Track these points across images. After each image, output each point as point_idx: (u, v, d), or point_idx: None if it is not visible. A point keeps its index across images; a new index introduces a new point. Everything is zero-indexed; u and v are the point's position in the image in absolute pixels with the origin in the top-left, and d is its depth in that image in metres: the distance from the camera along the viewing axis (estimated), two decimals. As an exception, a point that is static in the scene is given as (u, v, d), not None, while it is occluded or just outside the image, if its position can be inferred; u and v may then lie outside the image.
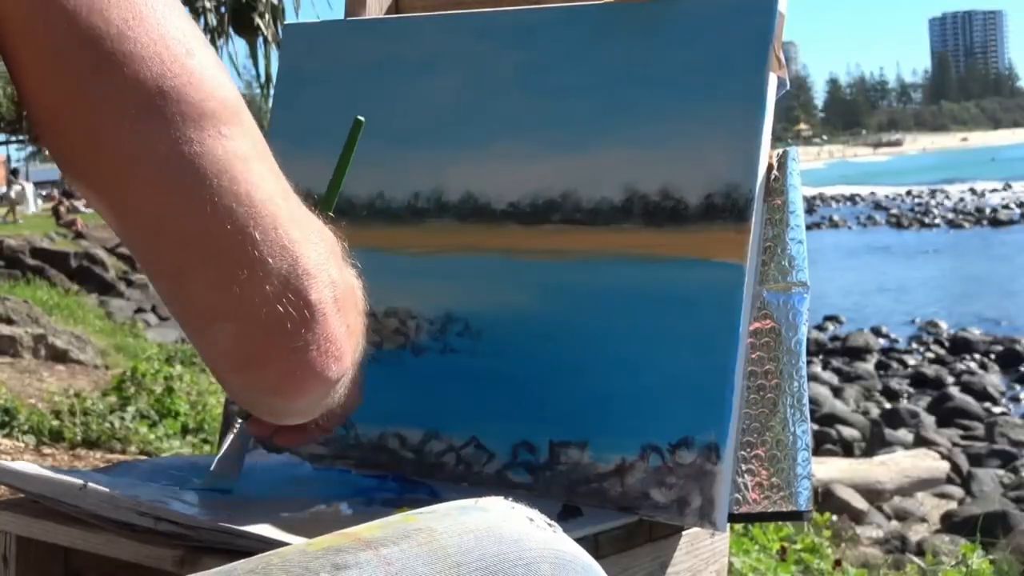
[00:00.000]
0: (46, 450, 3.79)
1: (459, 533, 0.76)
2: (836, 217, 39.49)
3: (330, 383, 0.72)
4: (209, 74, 0.65)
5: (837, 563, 3.19)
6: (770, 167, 1.17)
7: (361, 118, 1.12)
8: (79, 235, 18.71)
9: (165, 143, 0.63)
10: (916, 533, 6.93)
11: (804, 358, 1.15)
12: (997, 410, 11.39)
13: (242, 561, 0.73)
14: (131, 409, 4.27)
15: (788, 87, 1.19)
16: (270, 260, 0.65)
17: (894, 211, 42.07)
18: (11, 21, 0.62)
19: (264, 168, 0.67)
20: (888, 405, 11.67)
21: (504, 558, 0.76)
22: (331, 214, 1.00)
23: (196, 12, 5.38)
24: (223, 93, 0.66)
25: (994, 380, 12.95)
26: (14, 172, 26.73)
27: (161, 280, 0.67)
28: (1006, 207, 40.39)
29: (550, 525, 0.82)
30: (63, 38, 0.62)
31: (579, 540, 0.88)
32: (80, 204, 20.59)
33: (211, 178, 0.63)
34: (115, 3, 0.63)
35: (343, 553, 0.72)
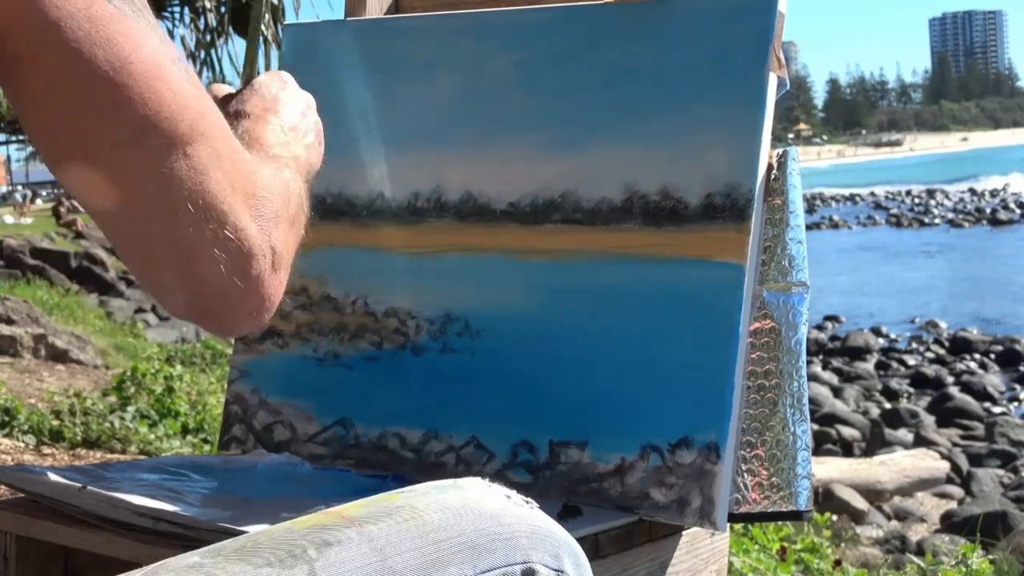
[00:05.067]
0: (46, 450, 3.78)
1: (440, 510, 0.80)
2: (836, 217, 39.47)
3: (262, 323, 0.88)
4: (180, 100, 0.78)
5: (837, 563, 3.19)
6: (770, 167, 1.17)
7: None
8: (79, 235, 18.71)
9: (143, 168, 0.78)
10: (916, 533, 6.93)
11: (804, 358, 1.14)
12: (997, 410, 11.38)
13: (230, 540, 0.76)
14: (131, 409, 4.27)
15: (788, 87, 1.19)
16: (221, 252, 0.80)
17: (894, 211, 42.09)
18: (17, 61, 0.75)
19: (221, 168, 0.80)
20: (888, 405, 11.65)
21: (484, 532, 0.80)
22: None
23: (196, 12, 5.38)
24: (190, 114, 0.79)
25: (994, 380, 12.93)
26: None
27: (132, 263, 0.84)
28: (1006, 207, 40.39)
29: (527, 502, 0.86)
30: (60, 78, 0.75)
31: (579, 540, 0.89)
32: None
33: (175, 191, 0.79)
34: (100, 47, 0.75)
35: (329, 531, 0.76)
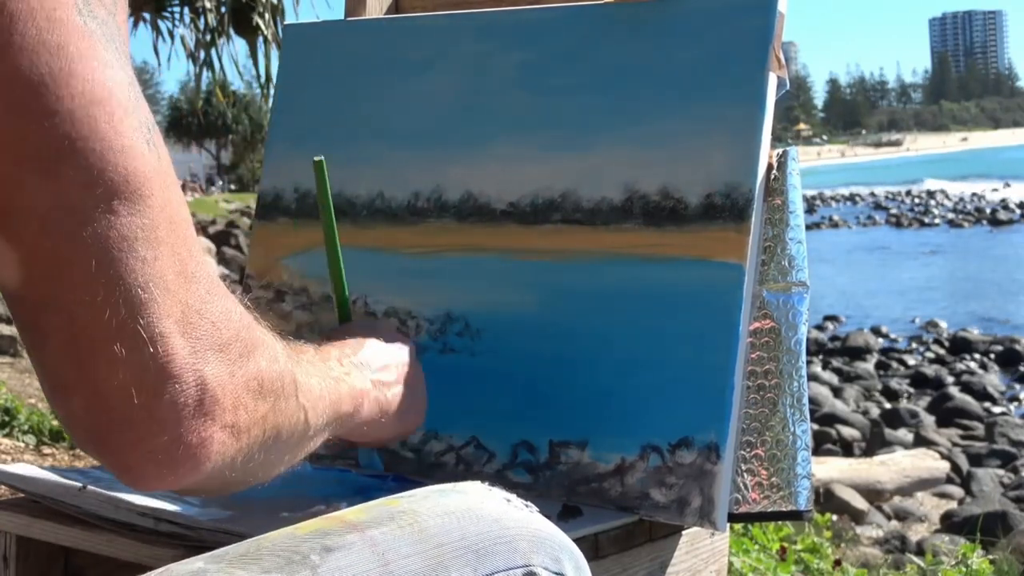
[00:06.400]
0: (46, 450, 3.79)
1: (441, 514, 0.80)
2: (836, 217, 39.50)
3: (174, 484, 0.70)
4: (120, 143, 0.63)
5: (837, 563, 3.19)
6: (770, 167, 1.17)
7: (320, 158, 1.14)
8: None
9: (49, 204, 0.62)
10: (916, 533, 6.93)
11: (804, 358, 1.15)
12: (997, 410, 11.37)
13: (234, 546, 0.76)
14: (131, 409, 4.27)
15: (788, 87, 1.19)
16: (124, 350, 0.63)
17: (894, 211, 42.11)
18: None
19: (153, 252, 0.64)
20: (888, 405, 11.65)
21: (484, 536, 0.79)
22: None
23: (196, 12, 5.38)
24: (131, 165, 0.63)
25: (994, 380, 12.93)
26: None
27: (21, 332, 0.66)
28: (1006, 207, 40.40)
29: (527, 505, 0.85)
30: None
31: (579, 540, 0.89)
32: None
33: (84, 251, 0.62)
34: (47, 51, 0.61)
35: (331, 535, 0.75)
